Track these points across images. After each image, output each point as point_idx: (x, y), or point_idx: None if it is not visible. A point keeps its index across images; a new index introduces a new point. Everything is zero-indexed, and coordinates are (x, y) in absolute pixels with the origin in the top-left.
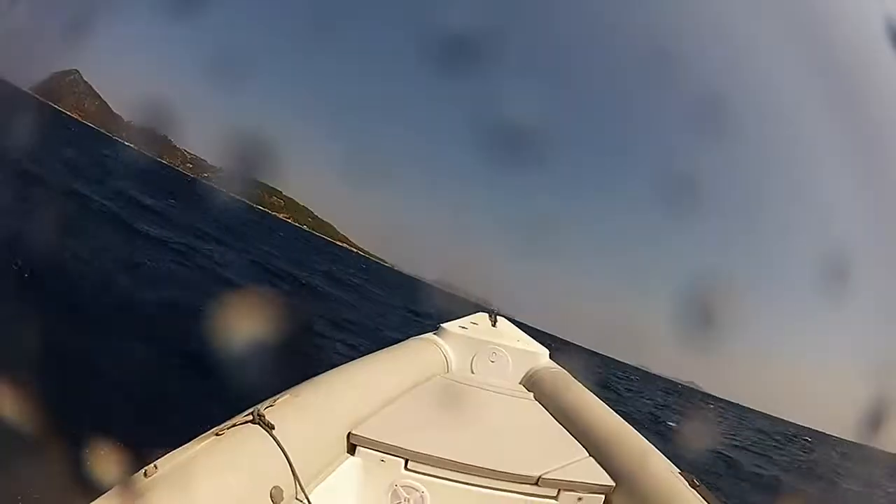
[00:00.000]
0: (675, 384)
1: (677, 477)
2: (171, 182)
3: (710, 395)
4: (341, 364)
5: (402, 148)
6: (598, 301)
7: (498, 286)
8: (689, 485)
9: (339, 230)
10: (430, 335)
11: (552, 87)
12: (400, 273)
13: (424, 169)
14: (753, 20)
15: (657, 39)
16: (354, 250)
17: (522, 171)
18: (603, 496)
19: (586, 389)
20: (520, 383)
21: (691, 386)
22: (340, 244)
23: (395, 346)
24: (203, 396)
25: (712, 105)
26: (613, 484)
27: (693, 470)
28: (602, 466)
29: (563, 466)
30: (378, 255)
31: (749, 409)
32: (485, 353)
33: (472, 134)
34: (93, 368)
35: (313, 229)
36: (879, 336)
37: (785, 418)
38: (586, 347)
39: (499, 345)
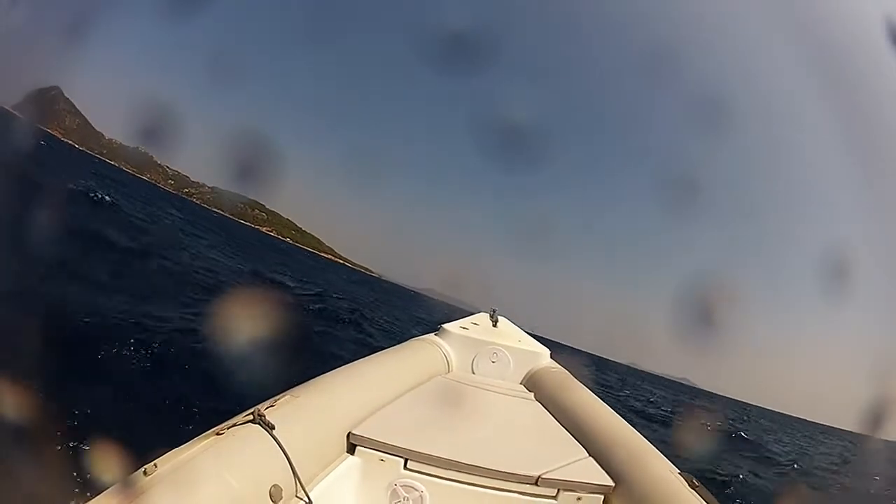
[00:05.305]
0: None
1: (677, 477)
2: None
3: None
4: (342, 365)
5: (393, 149)
6: (593, 301)
7: (495, 290)
8: (689, 485)
9: (324, 242)
10: (430, 336)
11: (550, 86)
12: (387, 282)
13: (416, 171)
14: (751, 17)
15: (656, 36)
16: (340, 262)
17: (522, 171)
18: (602, 496)
19: (587, 389)
20: (520, 383)
21: (684, 382)
22: (326, 256)
23: (396, 346)
24: (203, 396)
25: (709, 104)
26: (613, 484)
27: (692, 470)
28: (602, 466)
29: (562, 466)
30: (365, 266)
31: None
32: (486, 354)
33: (470, 134)
34: (93, 368)
35: (297, 242)
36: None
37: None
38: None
39: (500, 345)
